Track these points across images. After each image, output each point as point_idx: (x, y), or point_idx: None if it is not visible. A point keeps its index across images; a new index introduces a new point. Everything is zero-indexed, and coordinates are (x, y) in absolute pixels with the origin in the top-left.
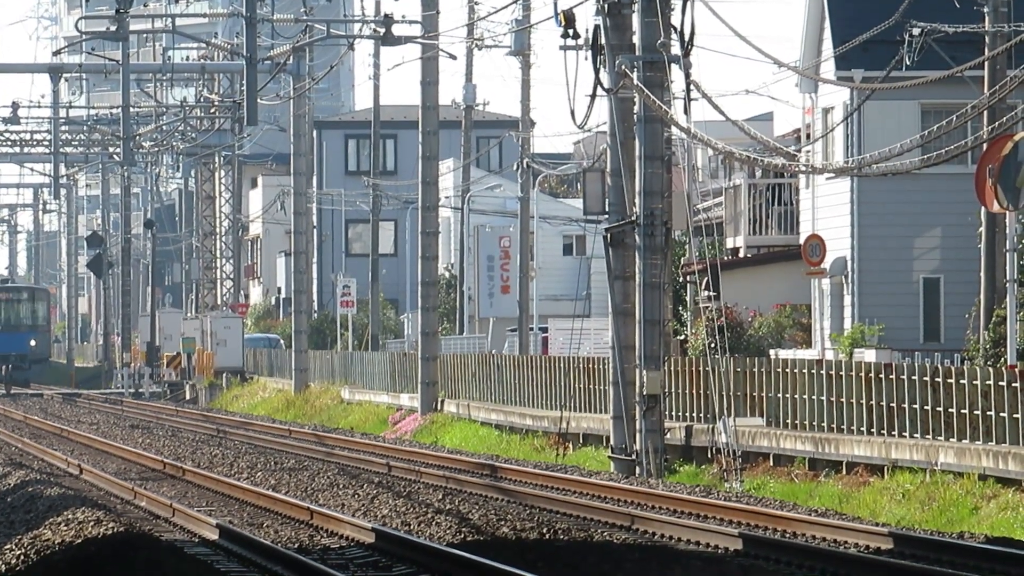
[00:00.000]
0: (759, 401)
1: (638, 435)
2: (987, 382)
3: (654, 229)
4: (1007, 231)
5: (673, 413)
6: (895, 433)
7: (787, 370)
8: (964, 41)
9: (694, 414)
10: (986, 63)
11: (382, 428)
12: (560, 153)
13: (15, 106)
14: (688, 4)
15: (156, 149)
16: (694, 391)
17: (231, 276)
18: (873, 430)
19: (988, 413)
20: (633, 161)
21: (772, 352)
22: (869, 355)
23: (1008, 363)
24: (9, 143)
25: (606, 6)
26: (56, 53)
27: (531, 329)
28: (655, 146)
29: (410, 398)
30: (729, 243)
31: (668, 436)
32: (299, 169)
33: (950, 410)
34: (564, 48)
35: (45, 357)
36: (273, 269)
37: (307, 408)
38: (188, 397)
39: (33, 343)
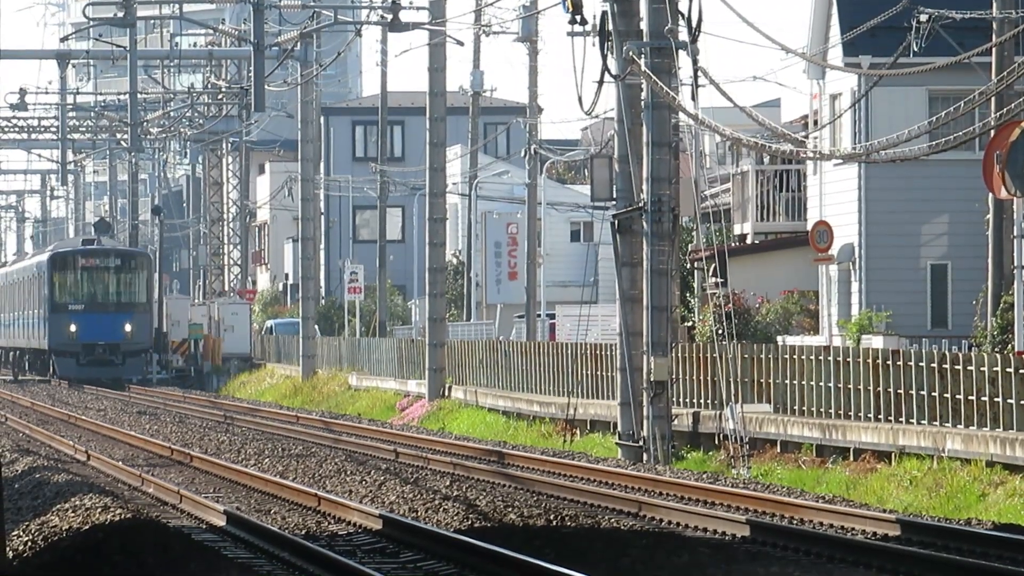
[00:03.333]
0: (766, 387)
1: (645, 421)
2: (995, 368)
3: (661, 215)
4: (1015, 217)
5: (680, 399)
6: (902, 420)
7: (794, 356)
8: (972, 27)
9: (701, 400)
10: (994, 49)
11: (389, 414)
12: (567, 139)
13: (23, 92)
14: None
15: (164, 135)
16: (701, 377)
17: (239, 262)
18: (880, 416)
19: (996, 400)
20: (640, 147)
21: (779, 339)
22: (876, 341)
23: (1016, 349)
24: (17, 129)
25: None
26: (63, 39)
27: (538, 315)
28: (662, 132)
29: (417, 384)
30: (737, 229)
31: (675, 422)
32: (306, 155)
33: (957, 396)
34: (571, 34)
35: (145, 348)
36: (281, 255)
37: (314, 394)
38: (195, 383)
39: (129, 328)
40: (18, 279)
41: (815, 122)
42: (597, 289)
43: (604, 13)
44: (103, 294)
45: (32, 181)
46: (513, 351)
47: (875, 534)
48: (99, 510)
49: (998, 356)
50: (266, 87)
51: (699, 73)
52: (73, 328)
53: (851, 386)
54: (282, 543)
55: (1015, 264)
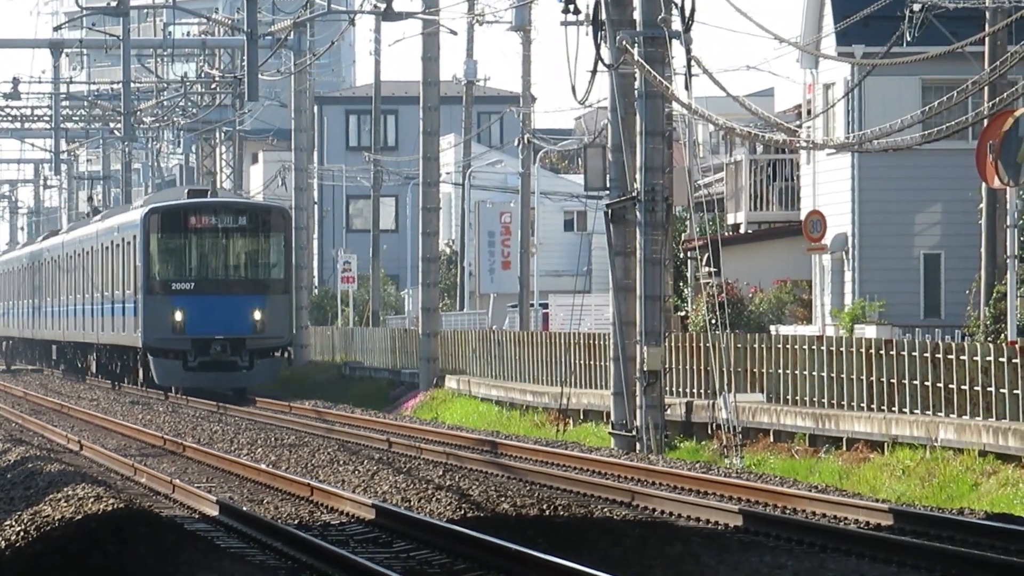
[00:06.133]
0: (759, 377)
1: (638, 411)
2: (987, 358)
3: (655, 205)
4: (1007, 207)
5: (673, 389)
6: (895, 409)
7: (787, 346)
8: (965, 17)
9: (694, 390)
10: (987, 39)
11: (382, 404)
12: (561, 129)
13: (16, 82)
14: None
15: (157, 125)
16: (695, 367)
17: None
18: (873, 406)
19: (988, 389)
20: (634, 137)
21: (773, 328)
22: (869, 331)
23: (1008, 339)
24: (10, 119)
25: None
26: (57, 28)
27: (532, 305)
28: (656, 122)
29: (411, 374)
30: (730, 219)
31: (668, 412)
32: (300, 145)
33: (950, 386)
34: (565, 23)
35: (284, 343)
36: None
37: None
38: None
39: (259, 317)
40: (88, 248)
41: (808, 111)
42: (590, 278)
43: (597, 2)
44: (223, 268)
45: (25, 171)
46: (506, 340)
47: (868, 523)
48: (92, 500)
49: (991, 346)
50: (259, 76)
51: (692, 62)
52: (179, 317)
53: (844, 375)
54: (275, 533)
55: (1008, 253)
